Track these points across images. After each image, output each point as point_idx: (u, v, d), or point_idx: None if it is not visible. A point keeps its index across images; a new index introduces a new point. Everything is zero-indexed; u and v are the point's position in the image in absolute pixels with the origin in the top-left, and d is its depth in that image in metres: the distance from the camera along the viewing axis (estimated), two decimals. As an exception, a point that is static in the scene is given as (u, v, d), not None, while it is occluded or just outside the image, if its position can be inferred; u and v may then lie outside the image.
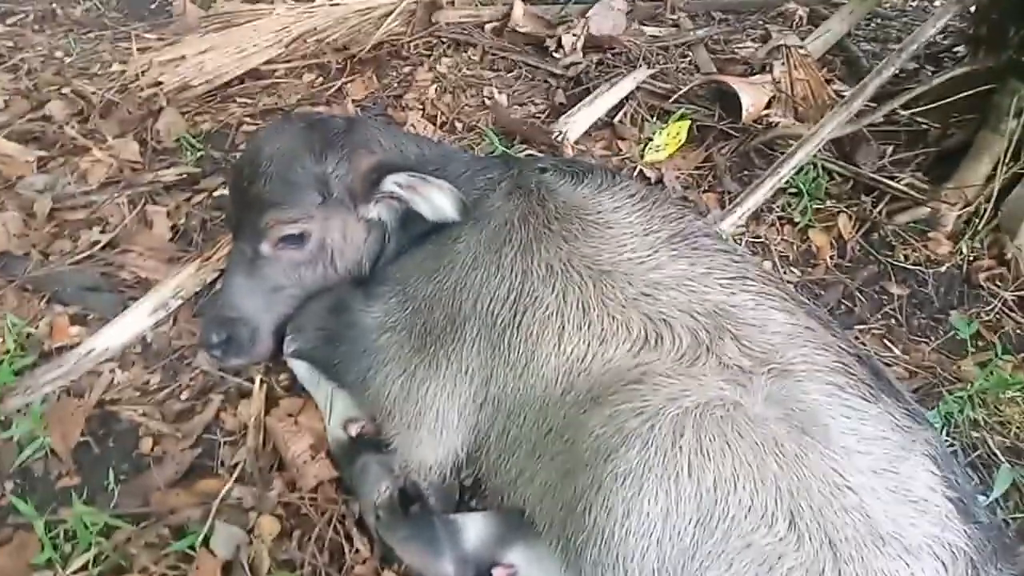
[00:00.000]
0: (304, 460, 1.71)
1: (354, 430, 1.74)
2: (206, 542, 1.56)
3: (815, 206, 2.55)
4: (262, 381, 1.90)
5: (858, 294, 2.34)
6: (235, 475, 1.69)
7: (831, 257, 2.45)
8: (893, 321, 2.26)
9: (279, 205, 1.74)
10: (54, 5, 3.46)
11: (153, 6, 3.57)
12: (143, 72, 2.88)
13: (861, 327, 2.22)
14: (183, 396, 1.92)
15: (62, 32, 3.30)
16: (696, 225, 1.69)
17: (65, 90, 2.89)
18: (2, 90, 2.88)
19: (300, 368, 1.90)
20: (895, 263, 2.42)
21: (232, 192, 1.88)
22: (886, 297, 2.35)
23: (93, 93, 2.86)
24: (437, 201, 1.72)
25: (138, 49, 3.05)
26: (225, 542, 1.58)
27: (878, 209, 2.56)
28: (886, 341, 2.18)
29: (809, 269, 2.41)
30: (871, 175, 2.62)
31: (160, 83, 2.85)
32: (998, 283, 2.35)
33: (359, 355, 1.72)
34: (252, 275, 1.81)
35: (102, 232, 2.31)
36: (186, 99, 2.87)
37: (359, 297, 1.82)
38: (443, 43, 3.30)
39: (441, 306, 1.66)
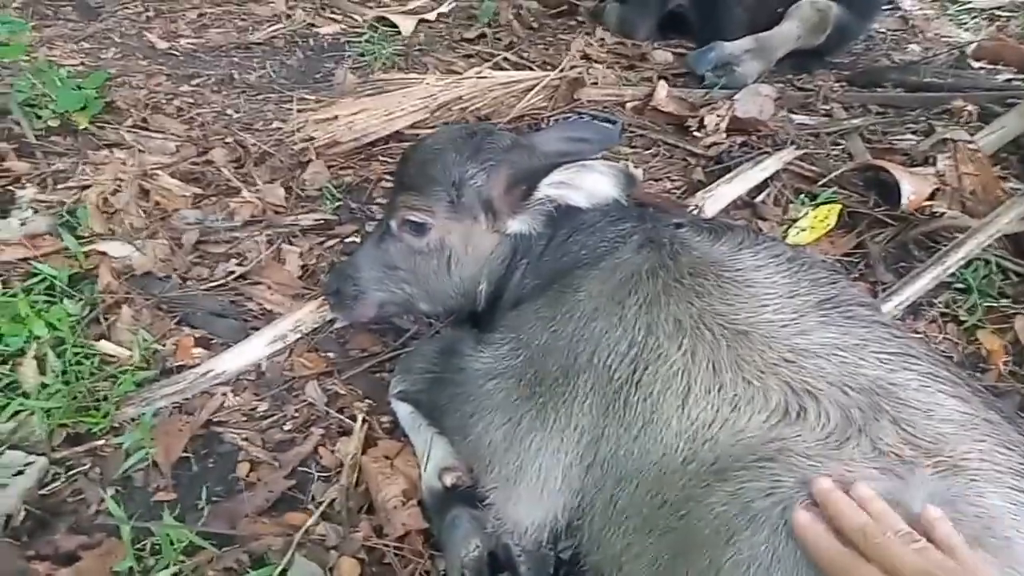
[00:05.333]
0: (394, 505, 1.61)
1: (449, 480, 1.62)
2: (283, 574, 1.47)
3: (986, 304, 2.25)
4: (364, 420, 1.84)
5: (1040, 407, 2.01)
6: (322, 511, 1.61)
7: (1005, 363, 2.13)
8: (1087, 443, 1.89)
9: (411, 191, 1.79)
10: (233, 71, 3.82)
11: (318, 75, 3.85)
12: (298, 128, 3.08)
13: (1044, 445, 1.87)
14: (286, 427, 1.89)
15: (236, 94, 3.61)
16: (851, 292, 1.49)
17: (228, 140, 3.12)
18: (176, 137, 3.14)
19: (403, 411, 1.83)
20: (1086, 377, 2.06)
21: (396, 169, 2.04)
22: (1076, 415, 1.99)
23: (252, 144, 3.07)
24: (593, 185, 1.70)
25: (298, 110, 3.27)
26: (302, 577, 1.48)
27: (1065, 315, 2.22)
28: (1077, 465, 1.83)
29: (978, 374, 2.10)
30: (1056, 277, 2.31)
31: (312, 138, 3.03)
32: None
33: (463, 399, 1.62)
34: (378, 246, 1.88)
35: (238, 265, 2.40)
36: (333, 154, 3.02)
37: (471, 342, 1.74)
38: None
39: (555, 356, 1.53)
